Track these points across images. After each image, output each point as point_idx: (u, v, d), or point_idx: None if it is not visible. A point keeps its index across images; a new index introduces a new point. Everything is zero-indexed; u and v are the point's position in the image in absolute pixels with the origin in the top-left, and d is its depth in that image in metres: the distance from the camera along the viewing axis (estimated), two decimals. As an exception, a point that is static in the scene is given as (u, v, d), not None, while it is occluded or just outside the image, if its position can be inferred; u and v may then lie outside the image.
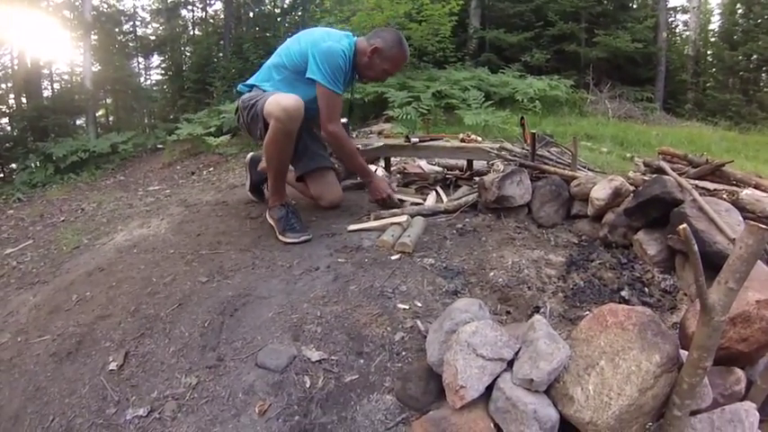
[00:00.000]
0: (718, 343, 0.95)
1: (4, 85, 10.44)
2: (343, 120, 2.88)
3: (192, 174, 5.38)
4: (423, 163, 3.11)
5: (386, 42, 2.28)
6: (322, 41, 2.18)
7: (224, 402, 1.28)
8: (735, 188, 1.97)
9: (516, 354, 1.09)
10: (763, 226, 0.84)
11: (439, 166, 3.19)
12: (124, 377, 1.42)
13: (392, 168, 3.22)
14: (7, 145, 8.41)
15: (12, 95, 10.42)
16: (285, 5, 12.39)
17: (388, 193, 2.39)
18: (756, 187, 2.02)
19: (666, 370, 0.98)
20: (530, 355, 1.05)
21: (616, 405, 0.96)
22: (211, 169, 5.38)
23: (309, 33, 2.32)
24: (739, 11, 11.80)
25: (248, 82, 2.43)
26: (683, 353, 1.04)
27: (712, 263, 1.32)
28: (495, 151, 2.65)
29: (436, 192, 2.76)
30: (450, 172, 3.09)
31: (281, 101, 1.99)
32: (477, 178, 2.78)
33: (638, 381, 0.97)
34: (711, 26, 14.91)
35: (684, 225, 0.88)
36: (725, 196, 1.85)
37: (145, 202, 3.86)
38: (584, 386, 1.01)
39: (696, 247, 0.88)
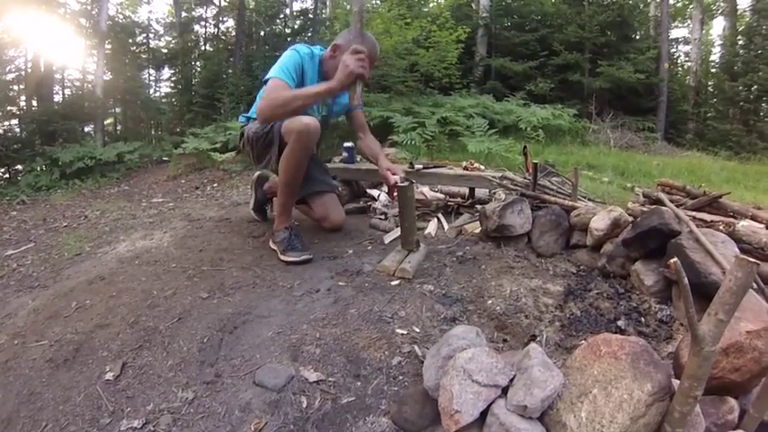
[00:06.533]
0: (708, 372, 0.96)
1: (16, 87, 10.45)
2: (348, 144, 2.93)
3: (197, 188, 5.40)
4: (425, 189, 3.15)
5: (344, 39, 2.24)
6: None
7: (220, 418, 1.27)
8: (732, 220, 1.97)
9: (511, 381, 1.10)
10: (752, 259, 0.85)
11: (441, 192, 3.22)
12: (120, 388, 1.41)
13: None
14: (15, 146, 8.38)
15: (23, 98, 10.48)
16: (296, 26, 12.62)
17: (354, 64, 1.96)
18: (753, 219, 2.03)
19: (658, 399, 0.99)
20: (524, 383, 1.06)
21: (608, 433, 0.97)
22: (215, 185, 5.39)
23: None
24: (740, 42, 11.96)
25: (247, 114, 2.49)
26: (677, 382, 1.05)
27: (708, 294, 1.33)
28: (498, 180, 2.68)
29: (438, 219, 2.78)
30: (452, 199, 3.12)
31: (302, 118, 2.07)
32: (478, 206, 2.80)
33: (630, 409, 0.98)
34: (712, 57, 15.18)
35: (675, 258, 0.90)
36: (722, 228, 1.85)
37: (148, 213, 3.89)
38: (577, 414, 1.03)
39: (686, 279, 0.90)
